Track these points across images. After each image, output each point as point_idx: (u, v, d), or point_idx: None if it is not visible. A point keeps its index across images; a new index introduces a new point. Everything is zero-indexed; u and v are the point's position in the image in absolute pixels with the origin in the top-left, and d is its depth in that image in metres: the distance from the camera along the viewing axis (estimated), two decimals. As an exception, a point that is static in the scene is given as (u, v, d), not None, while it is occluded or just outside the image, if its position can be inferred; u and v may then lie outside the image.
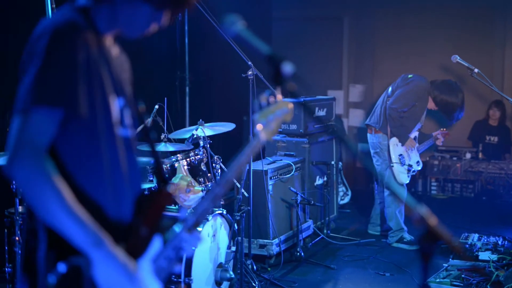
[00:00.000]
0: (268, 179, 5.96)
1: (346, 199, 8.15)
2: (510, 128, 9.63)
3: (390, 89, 6.72)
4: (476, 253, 6.07)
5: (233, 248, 4.89)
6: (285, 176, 6.27)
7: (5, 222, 4.63)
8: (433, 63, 9.23)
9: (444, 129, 7.13)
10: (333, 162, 7.07)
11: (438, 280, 5.51)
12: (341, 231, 7.29)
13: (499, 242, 6.35)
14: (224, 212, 4.85)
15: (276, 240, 5.97)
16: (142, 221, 2.14)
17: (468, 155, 9.35)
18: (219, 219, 4.80)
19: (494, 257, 5.85)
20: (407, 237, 6.69)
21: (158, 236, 2.16)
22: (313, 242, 6.72)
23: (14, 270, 4.49)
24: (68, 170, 2.00)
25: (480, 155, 9.37)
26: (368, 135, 6.90)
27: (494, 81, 6.20)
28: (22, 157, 1.85)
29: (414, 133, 6.79)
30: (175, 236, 2.16)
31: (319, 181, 6.98)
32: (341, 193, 7.94)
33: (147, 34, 2.15)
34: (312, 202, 6.30)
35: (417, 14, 10.08)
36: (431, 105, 6.68)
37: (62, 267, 1.96)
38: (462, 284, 5.42)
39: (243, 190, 5.28)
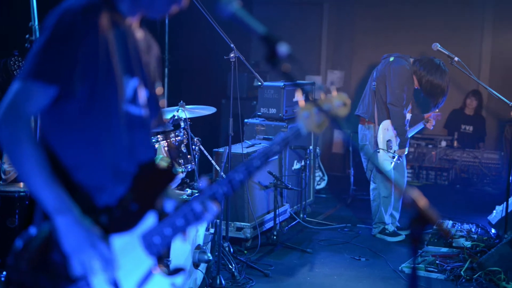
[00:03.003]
0: (247, 162, 5.95)
1: (322, 184, 8.19)
2: (485, 117, 9.74)
3: (374, 73, 6.49)
4: (450, 240, 6.15)
5: (212, 230, 4.88)
6: (263, 160, 6.26)
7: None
8: (412, 51, 9.22)
9: (437, 110, 6.70)
10: (311, 147, 7.08)
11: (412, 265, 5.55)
12: (317, 215, 7.32)
13: (473, 229, 6.44)
14: (204, 194, 4.83)
15: (253, 223, 5.98)
16: (135, 197, 2.20)
17: (444, 143, 9.45)
18: (199, 201, 4.78)
19: (468, 244, 5.92)
20: (390, 228, 6.52)
21: (152, 213, 2.21)
22: (289, 226, 6.74)
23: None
24: (59, 139, 2.14)
25: (455, 144, 9.47)
26: (360, 126, 6.54)
27: (471, 71, 6.20)
28: (5, 117, 2.00)
29: (407, 117, 6.46)
30: (175, 211, 2.21)
31: (296, 166, 6.99)
32: (317, 178, 7.98)
33: (171, 13, 2.25)
34: (290, 186, 6.32)
35: (396, 1, 10.11)
36: (415, 83, 6.37)
37: (32, 231, 2.10)
38: (436, 270, 5.48)
39: (222, 173, 5.28)
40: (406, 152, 6.48)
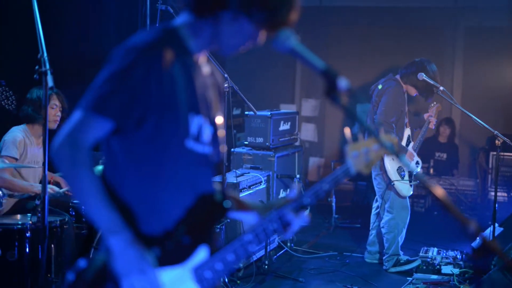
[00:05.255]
0: (239, 191, 5.96)
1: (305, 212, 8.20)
2: (458, 145, 9.93)
3: (370, 107, 6.48)
4: (438, 267, 6.22)
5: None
6: (254, 189, 6.28)
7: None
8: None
9: (433, 104, 6.74)
10: (298, 176, 7.11)
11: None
12: (302, 244, 7.33)
13: (458, 256, 6.51)
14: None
15: (246, 253, 5.96)
16: (187, 230, 2.20)
17: (420, 171, 9.56)
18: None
19: (456, 271, 6.00)
20: (403, 258, 6.43)
21: (203, 246, 2.23)
22: (278, 255, 6.74)
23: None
24: (120, 173, 2.17)
25: (431, 171, 9.61)
26: None
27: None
28: (64, 144, 2.07)
29: (407, 131, 6.49)
30: (227, 246, 2.22)
31: (282, 194, 7.02)
32: (300, 207, 7.98)
33: (242, 51, 2.24)
34: (279, 215, 6.31)
35: (370, 29, 10.30)
36: (412, 91, 6.41)
37: (82, 263, 2.15)
38: (429, 297, 5.55)
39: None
40: (415, 156, 6.58)
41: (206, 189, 2.28)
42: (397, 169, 6.31)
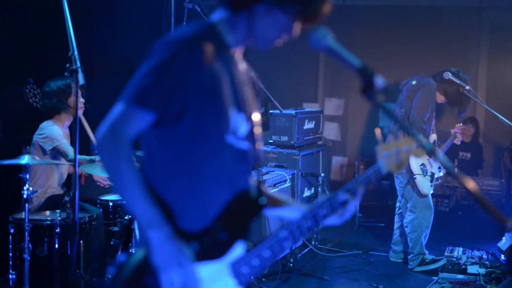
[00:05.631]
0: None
1: (329, 211, 8.19)
2: (482, 144, 9.87)
3: (399, 101, 6.44)
4: (463, 266, 6.19)
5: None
6: (279, 187, 6.30)
7: (9, 228, 4.53)
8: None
9: (460, 124, 6.83)
10: (322, 175, 7.11)
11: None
12: (326, 242, 7.34)
13: (484, 256, 6.48)
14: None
15: (271, 251, 5.97)
16: (224, 226, 2.22)
17: (444, 170, 9.52)
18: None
19: (483, 271, 5.97)
20: (428, 257, 6.42)
21: (240, 242, 2.25)
22: (302, 253, 6.75)
23: (20, 277, 4.40)
24: (159, 166, 2.19)
25: (456, 171, 9.54)
26: None
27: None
28: (106, 137, 2.07)
29: (433, 137, 6.52)
30: (262, 242, 2.25)
31: (307, 193, 7.02)
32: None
33: (277, 45, 2.25)
34: (304, 213, 6.33)
35: (393, 30, 10.25)
36: (439, 98, 6.41)
37: (122, 257, 2.17)
38: (456, 297, 5.53)
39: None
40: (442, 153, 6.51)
41: (244, 185, 2.29)
42: (421, 165, 6.28)
